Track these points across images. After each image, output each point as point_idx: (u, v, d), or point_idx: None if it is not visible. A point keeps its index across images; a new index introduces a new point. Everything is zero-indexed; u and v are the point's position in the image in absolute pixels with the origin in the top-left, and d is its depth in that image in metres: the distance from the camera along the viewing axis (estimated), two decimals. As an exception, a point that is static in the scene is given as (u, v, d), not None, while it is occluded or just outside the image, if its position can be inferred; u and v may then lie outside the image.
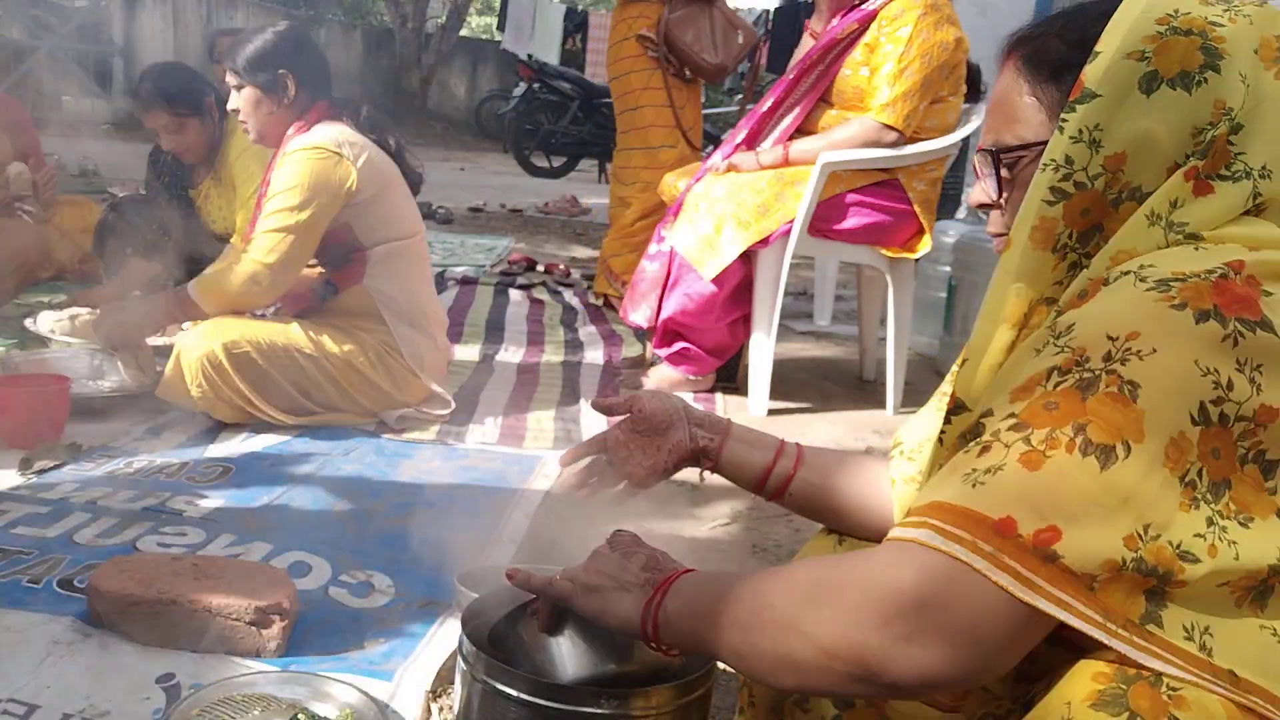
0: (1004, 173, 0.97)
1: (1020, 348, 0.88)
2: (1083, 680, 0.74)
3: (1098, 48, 0.87)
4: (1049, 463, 0.75)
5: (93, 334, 2.93)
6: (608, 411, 1.33)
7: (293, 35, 2.55)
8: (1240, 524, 0.74)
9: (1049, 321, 0.86)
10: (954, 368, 1.11)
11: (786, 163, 2.99)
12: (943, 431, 0.92)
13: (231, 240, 3.20)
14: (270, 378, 2.45)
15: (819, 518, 1.25)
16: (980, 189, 1.01)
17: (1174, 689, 0.72)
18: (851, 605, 0.77)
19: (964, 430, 0.87)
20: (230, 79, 2.55)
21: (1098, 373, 0.76)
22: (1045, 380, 0.79)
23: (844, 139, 2.93)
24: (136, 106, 3.12)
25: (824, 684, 0.80)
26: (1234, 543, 0.74)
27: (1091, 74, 0.87)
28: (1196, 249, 0.82)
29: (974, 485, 0.77)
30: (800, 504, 1.25)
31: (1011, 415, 0.79)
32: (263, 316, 2.62)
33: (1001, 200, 0.99)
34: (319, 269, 2.68)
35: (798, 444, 1.27)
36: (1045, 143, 0.90)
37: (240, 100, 2.55)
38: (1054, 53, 0.93)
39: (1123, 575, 0.73)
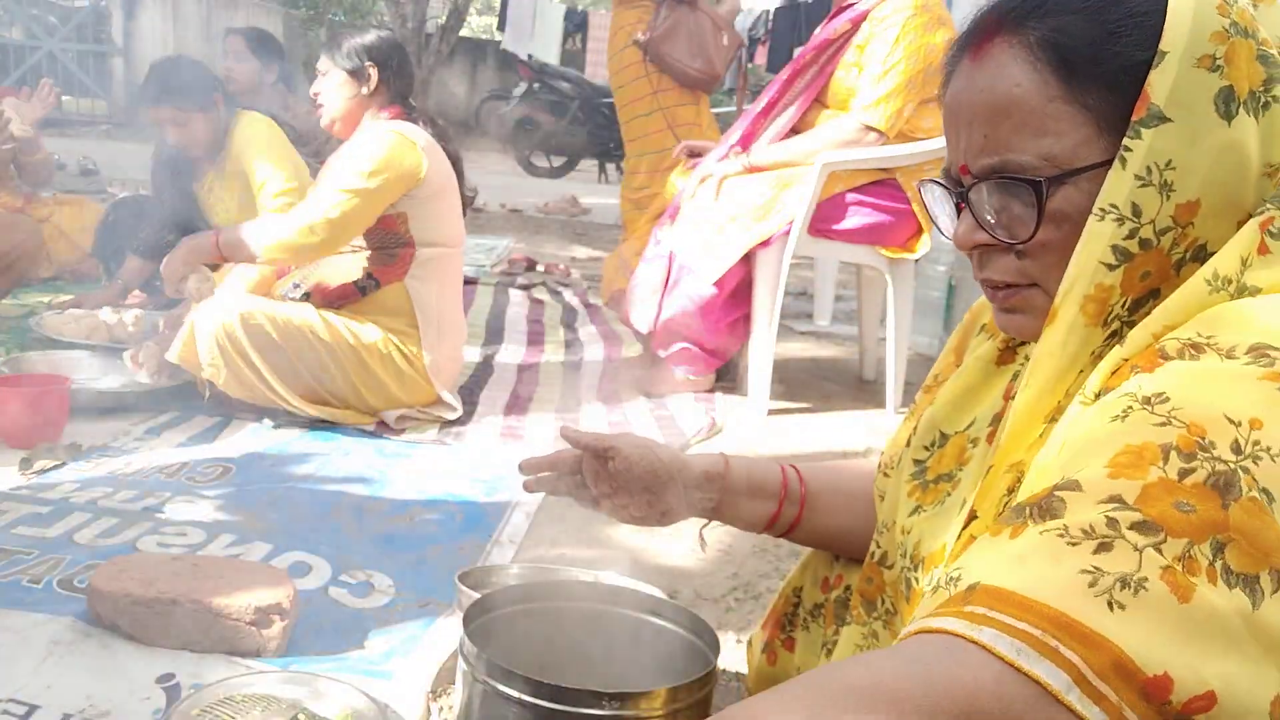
0: (1015, 207, 0.73)
1: (1074, 418, 0.69)
2: None
3: (1163, 45, 0.68)
4: (1198, 595, 0.55)
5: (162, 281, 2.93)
6: (576, 444, 1.17)
7: (388, 39, 2.72)
8: None
9: (1097, 388, 0.68)
10: (931, 376, 1.05)
11: (750, 169, 3.00)
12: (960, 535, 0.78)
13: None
14: (283, 354, 2.47)
15: (825, 550, 1.18)
16: (968, 227, 0.77)
17: None
18: None
19: (1023, 498, 0.64)
20: (321, 64, 2.67)
21: (1232, 467, 0.58)
22: (1161, 460, 0.59)
23: (821, 140, 2.93)
24: (142, 101, 3.14)
25: None
26: None
27: (1159, 85, 0.67)
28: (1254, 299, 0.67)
29: (1110, 605, 0.55)
30: (805, 542, 1.19)
31: (1119, 502, 0.58)
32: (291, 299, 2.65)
33: (1023, 243, 0.74)
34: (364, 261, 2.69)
35: (801, 480, 1.15)
36: (1099, 165, 0.70)
37: (324, 83, 2.67)
38: (1087, 40, 0.70)
39: None
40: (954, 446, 0.89)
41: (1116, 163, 0.68)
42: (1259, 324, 0.64)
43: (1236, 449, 0.59)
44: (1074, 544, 0.58)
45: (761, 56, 11.04)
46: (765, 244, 2.91)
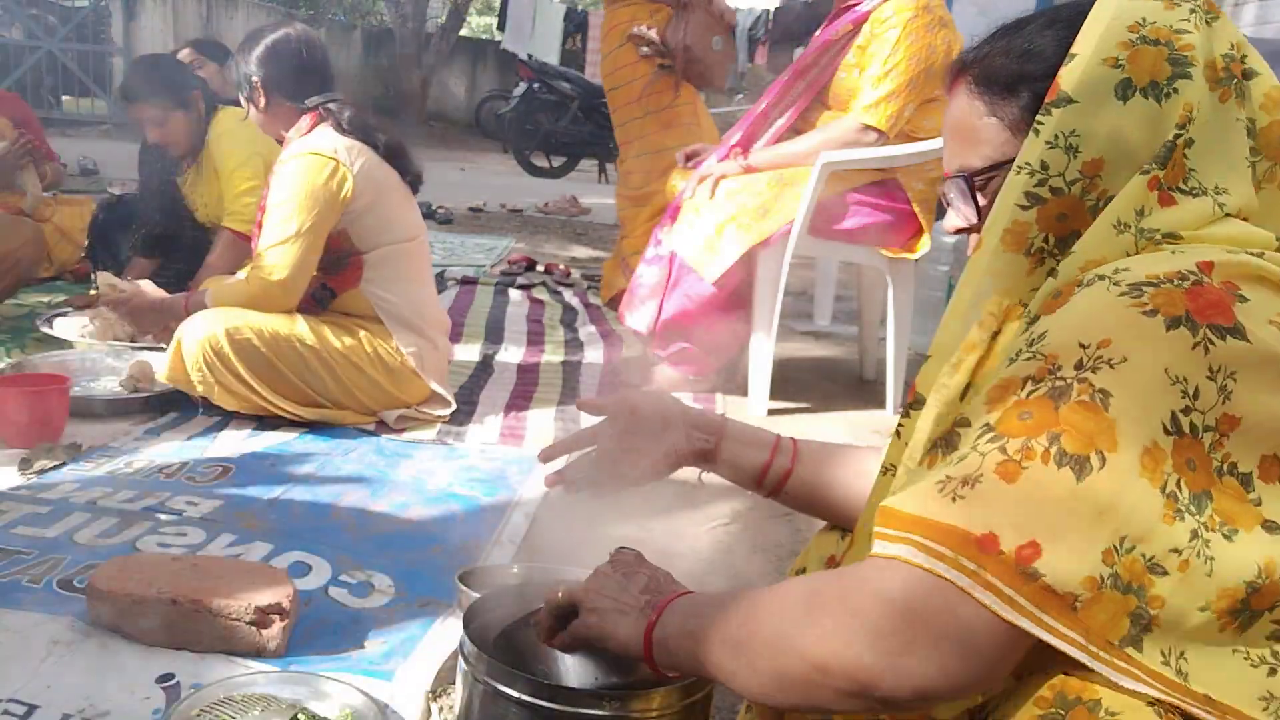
0: (979, 196, 0.98)
1: (995, 353, 0.88)
2: (1027, 707, 0.75)
3: (1073, 50, 0.87)
4: (1025, 474, 0.74)
5: (113, 313, 2.94)
6: (597, 411, 1.31)
7: (273, 45, 2.56)
8: (1224, 537, 0.73)
9: (1021, 328, 0.86)
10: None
11: (748, 169, 3.00)
12: (900, 425, 0.93)
13: (223, 223, 3.24)
14: (272, 365, 2.46)
15: (817, 513, 1.26)
16: (953, 215, 1.01)
17: (1112, 713, 0.72)
18: (842, 621, 0.77)
19: (936, 435, 0.87)
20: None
21: (1069, 381, 0.76)
22: (1020, 389, 0.78)
23: (821, 141, 2.93)
24: (123, 99, 3.17)
25: (817, 700, 0.80)
26: (1211, 558, 0.73)
27: (1068, 78, 0.86)
28: (1172, 251, 0.82)
29: (953, 499, 0.76)
30: (798, 500, 1.26)
31: (987, 425, 0.78)
32: None
33: (976, 223, 0.98)
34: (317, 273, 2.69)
35: (794, 440, 1.27)
36: (1014, 160, 0.90)
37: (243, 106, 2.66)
38: (1004, 71, 0.94)
39: (1103, 594, 0.72)
40: None
41: (1030, 133, 0.88)
42: (1160, 266, 0.79)
43: (1079, 366, 0.76)
44: (946, 463, 0.80)
45: (762, 56, 11.05)
46: (765, 244, 2.91)
